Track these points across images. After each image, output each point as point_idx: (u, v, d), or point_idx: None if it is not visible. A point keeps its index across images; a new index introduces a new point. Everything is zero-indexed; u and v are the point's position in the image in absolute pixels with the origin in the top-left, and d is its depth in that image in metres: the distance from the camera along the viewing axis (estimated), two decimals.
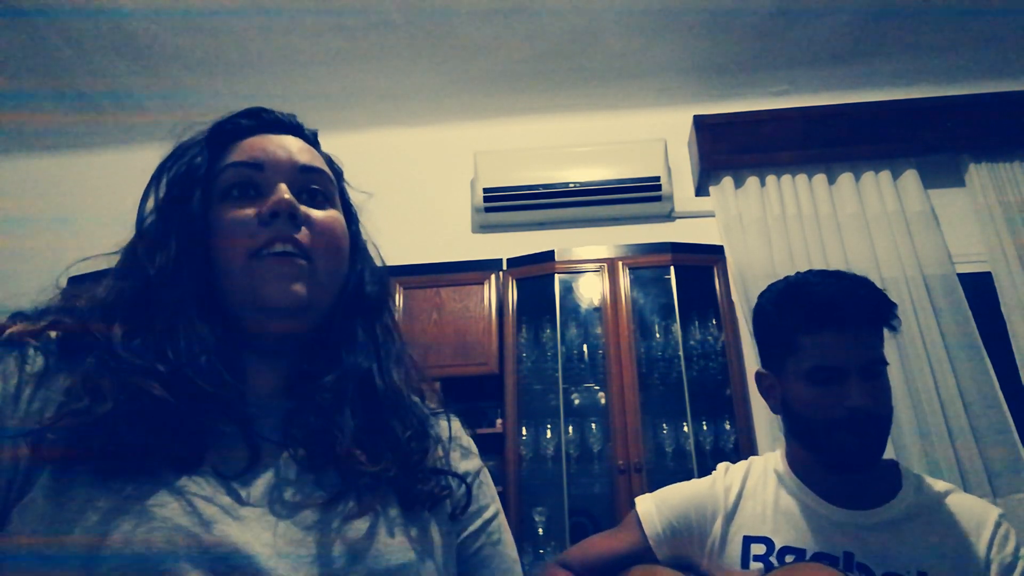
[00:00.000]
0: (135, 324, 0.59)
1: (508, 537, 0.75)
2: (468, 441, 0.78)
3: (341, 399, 0.64)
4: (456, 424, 0.77)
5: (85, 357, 0.57)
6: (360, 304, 0.71)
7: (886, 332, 1.06)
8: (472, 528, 0.71)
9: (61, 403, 0.54)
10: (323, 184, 0.70)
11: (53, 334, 0.59)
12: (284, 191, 0.64)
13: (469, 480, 0.72)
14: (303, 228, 0.65)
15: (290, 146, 0.69)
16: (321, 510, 0.58)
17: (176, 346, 0.58)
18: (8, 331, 0.58)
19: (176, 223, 0.63)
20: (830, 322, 1.02)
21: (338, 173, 0.76)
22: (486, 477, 0.77)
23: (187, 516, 0.52)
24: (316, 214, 0.67)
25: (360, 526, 0.59)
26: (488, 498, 0.75)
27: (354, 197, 0.78)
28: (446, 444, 0.73)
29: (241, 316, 0.63)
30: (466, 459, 0.75)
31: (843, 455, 1.01)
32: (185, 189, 0.65)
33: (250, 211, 0.64)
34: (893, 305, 1.04)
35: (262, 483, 0.58)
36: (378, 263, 0.77)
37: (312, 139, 0.75)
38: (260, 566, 0.52)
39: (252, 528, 0.54)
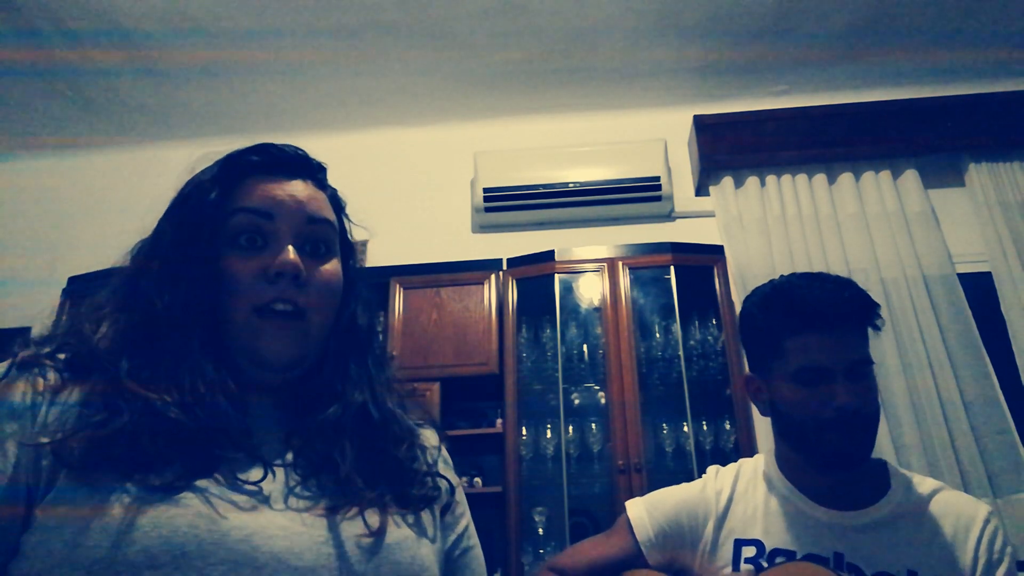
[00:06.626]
0: (142, 359, 0.63)
1: (478, 541, 0.83)
2: (446, 454, 0.85)
3: (341, 430, 0.70)
4: (435, 434, 0.84)
5: (95, 374, 0.61)
6: (352, 338, 0.76)
7: (871, 332, 1.07)
8: (455, 534, 0.79)
9: (80, 412, 0.58)
10: (327, 235, 0.74)
11: (63, 356, 0.63)
12: (291, 252, 0.68)
13: (452, 483, 0.80)
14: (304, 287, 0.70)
15: (299, 194, 0.73)
16: (330, 509, 0.64)
17: (181, 384, 0.62)
18: (21, 354, 0.62)
19: (186, 265, 0.67)
20: (815, 324, 1.03)
21: (340, 209, 0.80)
22: (461, 489, 0.85)
23: (205, 506, 0.56)
24: (318, 271, 0.71)
25: (369, 517, 0.65)
26: (465, 506, 0.82)
27: (356, 218, 0.82)
28: (433, 453, 0.80)
29: (240, 363, 0.68)
30: (448, 469, 0.83)
31: (833, 455, 1.02)
32: (197, 230, 0.68)
33: (257, 264, 0.68)
34: (876, 305, 1.06)
35: (272, 487, 0.63)
36: (362, 263, 0.81)
37: (319, 177, 0.78)
38: (276, 547, 0.58)
39: (266, 516, 0.60)
